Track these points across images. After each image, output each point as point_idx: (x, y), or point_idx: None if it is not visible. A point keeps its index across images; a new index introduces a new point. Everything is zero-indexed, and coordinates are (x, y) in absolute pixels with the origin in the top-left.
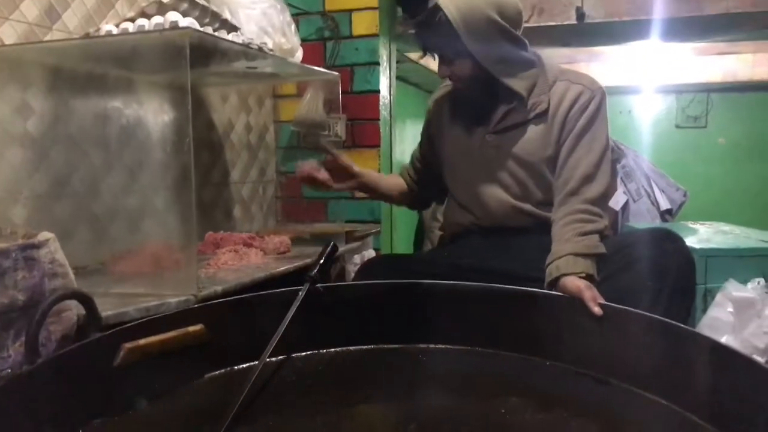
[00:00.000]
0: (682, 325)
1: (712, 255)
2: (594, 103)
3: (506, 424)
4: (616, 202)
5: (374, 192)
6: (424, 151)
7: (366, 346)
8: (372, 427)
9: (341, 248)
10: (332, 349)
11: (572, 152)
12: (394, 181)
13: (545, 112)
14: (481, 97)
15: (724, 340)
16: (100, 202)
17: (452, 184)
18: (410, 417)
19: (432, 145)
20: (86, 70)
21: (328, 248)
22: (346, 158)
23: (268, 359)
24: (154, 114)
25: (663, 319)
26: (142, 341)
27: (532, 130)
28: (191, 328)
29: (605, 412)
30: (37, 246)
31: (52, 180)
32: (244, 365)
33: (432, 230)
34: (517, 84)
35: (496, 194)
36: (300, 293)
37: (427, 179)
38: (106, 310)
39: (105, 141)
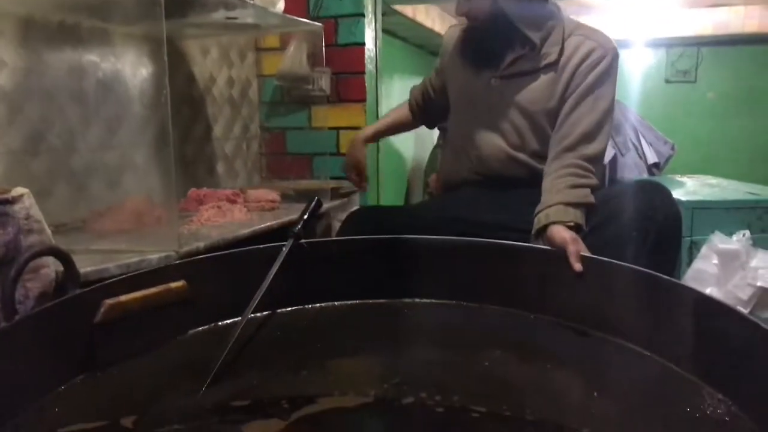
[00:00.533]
0: (666, 277)
1: (698, 207)
2: (605, 62)
3: (489, 375)
4: (605, 155)
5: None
6: (434, 81)
7: (351, 302)
8: (356, 380)
9: (326, 205)
10: (317, 305)
11: (575, 108)
12: (397, 118)
13: (555, 63)
14: (494, 39)
15: (708, 291)
16: (78, 158)
17: (451, 125)
18: (394, 370)
19: (442, 77)
20: (59, 20)
21: (312, 203)
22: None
23: (252, 315)
24: (131, 67)
25: (646, 270)
26: (123, 297)
27: (539, 81)
28: (173, 285)
29: (588, 364)
30: (10, 201)
31: (27, 135)
32: (228, 321)
33: (421, 189)
34: (532, 31)
35: (492, 141)
36: (284, 249)
37: (434, 107)
38: (86, 266)
39: (81, 95)
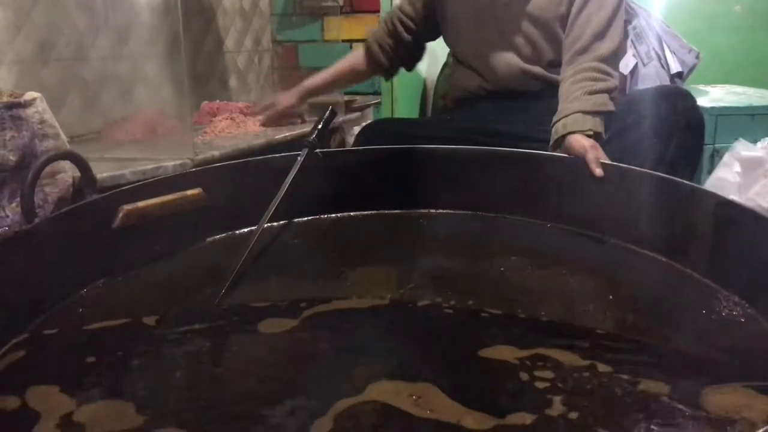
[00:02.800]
0: (685, 182)
1: (722, 114)
2: None
3: (504, 280)
4: (626, 65)
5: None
6: (414, 8)
7: (367, 212)
8: (373, 287)
9: (340, 118)
10: (333, 215)
11: (583, 8)
12: (344, 68)
13: None
14: None
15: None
16: (88, 68)
17: (456, 46)
18: (410, 277)
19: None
20: None
21: (327, 113)
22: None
23: (269, 224)
24: None
25: (666, 176)
26: (140, 204)
27: None
28: (189, 192)
29: (604, 270)
30: (23, 105)
31: (36, 43)
32: (245, 229)
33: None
34: None
35: (505, 57)
36: (299, 158)
37: (416, 41)
38: (102, 173)
39: (89, 2)
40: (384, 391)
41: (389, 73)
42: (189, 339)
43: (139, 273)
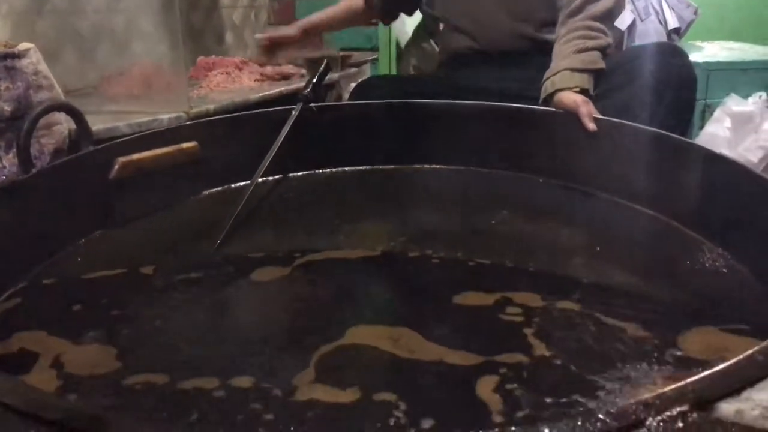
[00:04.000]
0: (677, 136)
1: (714, 69)
2: None
3: (494, 232)
4: (622, 21)
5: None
6: None
7: (361, 167)
8: (366, 240)
9: (336, 74)
10: (328, 170)
11: None
12: (343, 7)
13: None
14: None
15: None
16: (83, 20)
17: (445, 5)
18: (401, 230)
19: None
20: None
21: (321, 67)
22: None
23: (263, 178)
24: None
25: (656, 130)
26: (136, 156)
27: None
28: (185, 145)
29: (593, 222)
30: (17, 56)
31: None
32: (241, 183)
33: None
34: None
35: (496, 16)
36: (293, 112)
37: None
38: (98, 125)
39: None
40: (365, 335)
41: (387, 15)
42: (183, 288)
43: (136, 224)
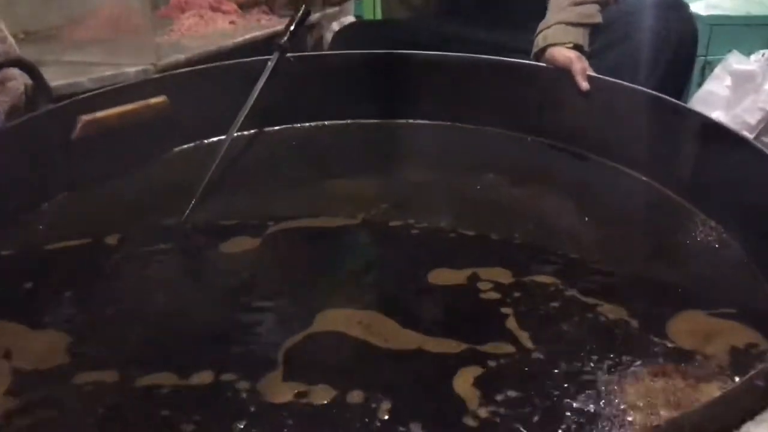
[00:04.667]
0: (672, 99)
1: (717, 23)
2: None
3: (480, 199)
4: None
5: None
6: None
7: (342, 121)
8: (346, 204)
9: (317, 14)
10: (307, 124)
11: None
12: None
13: None
14: None
15: (715, 115)
16: None
17: None
18: (385, 194)
19: None
20: None
21: (299, 13)
22: None
23: (239, 133)
24: None
25: (654, 93)
26: (100, 114)
27: None
28: (153, 100)
29: (583, 188)
30: None
31: None
32: (214, 139)
33: None
34: None
35: None
36: (269, 62)
37: None
38: (57, 80)
39: None
40: (336, 320)
41: None
42: (149, 262)
43: (102, 186)
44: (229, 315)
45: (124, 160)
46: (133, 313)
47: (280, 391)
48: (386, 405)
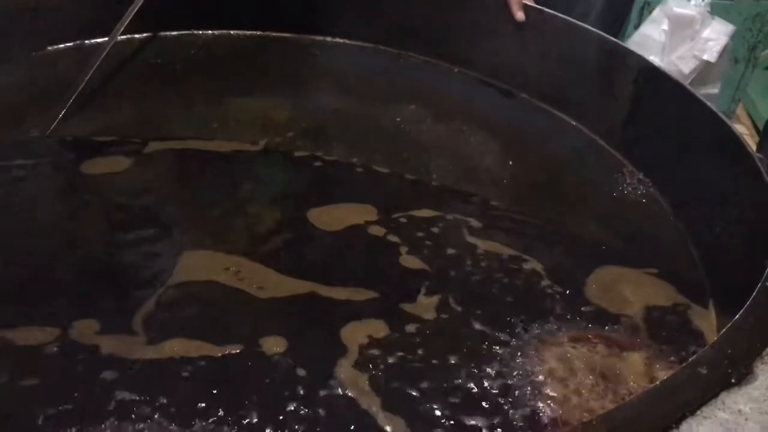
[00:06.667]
0: (614, 40)
1: None
2: None
3: (399, 133)
4: None
5: None
6: None
7: (250, 32)
8: (247, 127)
9: None
10: (209, 32)
11: None
12: None
13: None
14: None
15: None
16: None
17: None
18: (294, 118)
19: None
20: None
21: None
22: None
23: (128, 36)
24: None
25: (594, 30)
26: None
27: None
28: None
29: (508, 128)
30: None
31: None
32: (99, 40)
33: None
34: None
35: None
36: None
37: None
38: None
39: None
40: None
41: None
42: None
43: None
44: (78, 259)
45: None
46: None
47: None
48: None
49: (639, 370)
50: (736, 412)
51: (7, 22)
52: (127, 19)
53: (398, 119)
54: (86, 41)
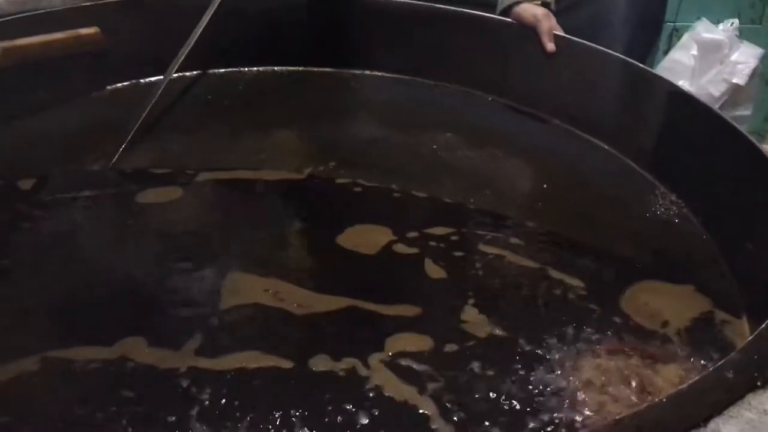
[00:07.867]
0: (642, 66)
1: None
2: None
3: (435, 159)
4: None
5: None
6: None
7: (293, 68)
8: (292, 156)
9: None
10: (254, 68)
11: None
12: None
13: None
14: None
15: (680, 84)
16: None
17: None
18: (334, 148)
19: None
20: None
21: None
22: None
23: (179, 74)
24: None
25: (622, 57)
26: (21, 41)
27: None
28: (84, 31)
29: (542, 153)
30: None
31: None
32: (152, 79)
33: None
34: None
35: None
36: None
37: None
38: None
39: None
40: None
41: None
42: (61, 212)
43: (22, 123)
44: (132, 283)
45: (49, 95)
46: (30, 267)
47: None
48: None
49: (674, 381)
50: (761, 412)
51: (70, 65)
52: (179, 60)
53: (434, 146)
54: (141, 80)
